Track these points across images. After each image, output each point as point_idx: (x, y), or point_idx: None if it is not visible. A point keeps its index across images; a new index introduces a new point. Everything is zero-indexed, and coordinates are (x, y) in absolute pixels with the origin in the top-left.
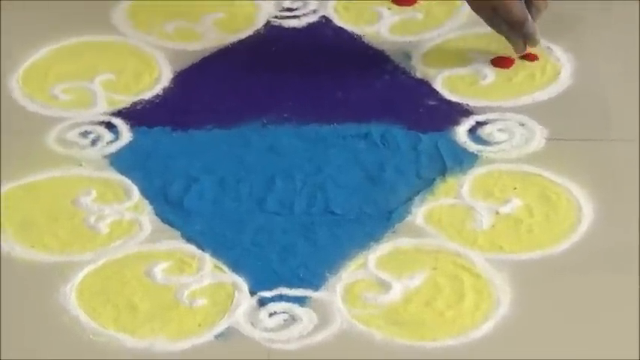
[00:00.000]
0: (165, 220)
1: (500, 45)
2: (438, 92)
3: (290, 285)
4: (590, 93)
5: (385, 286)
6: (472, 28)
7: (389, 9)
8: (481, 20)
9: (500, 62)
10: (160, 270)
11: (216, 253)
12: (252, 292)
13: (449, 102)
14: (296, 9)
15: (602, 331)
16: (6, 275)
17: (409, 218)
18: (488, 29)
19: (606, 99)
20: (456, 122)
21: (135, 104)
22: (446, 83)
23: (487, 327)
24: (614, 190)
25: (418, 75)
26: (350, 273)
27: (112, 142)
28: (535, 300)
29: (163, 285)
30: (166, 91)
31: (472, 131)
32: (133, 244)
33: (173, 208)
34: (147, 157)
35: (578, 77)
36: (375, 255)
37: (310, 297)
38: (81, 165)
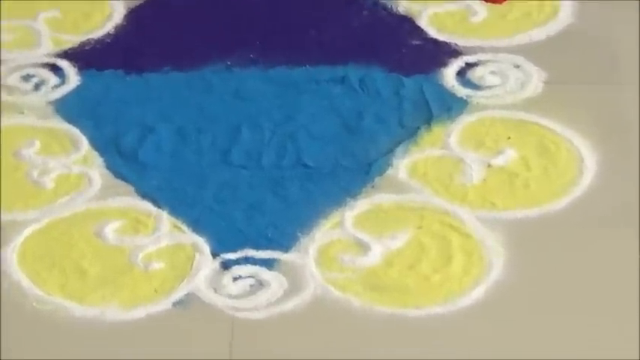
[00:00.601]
0: (117, 174)
1: None
2: (422, 30)
3: (257, 246)
4: (592, 32)
5: (364, 248)
6: None
7: None
8: None
9: None
10: (111, 230)
11: (175, 210)
12: (215, 255)
13: (435, 41)
14: None
15: (604, 298)
16: None
17: (390, 171)
18: None
19: (610, 39)
20: (443, 64)
21: (83, 44)
22: (432, 20)
23: (478, 293)
24: (620, 139)
25: (401, 11)
26: (324, 233)
27: (57, 86)
28: (532, 263)
29: (115, 246)
30: (118, 29)
31: (461, 74)
32: (82, 201)
33: (126, 161)
34: (97, 104)
35: (580, 15)
36: (353, 213)
37: (280, 259)
38: (22, 113)
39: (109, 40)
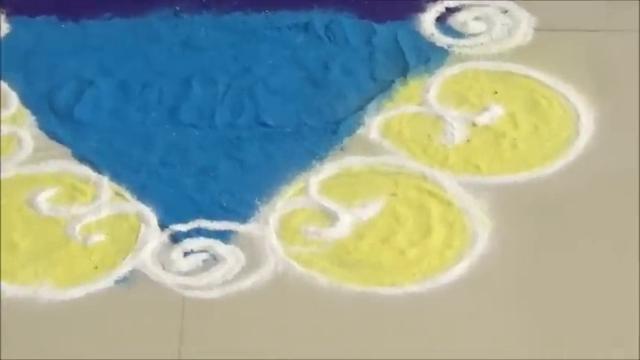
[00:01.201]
0: (51, 134)
1: None
2: None
3: (210, 216)
4: None
5: (331, 218)
6: None
7: None
8: None
9: None
10: (45, 198)
11: (117, 176)
12: (163, 226)
13: None
14: None
15: (601, 274)
16: None
17: (361, 131)
18: None
19: None
20: (421, 8)
21: None
22: None
23: (460, 269)
24: (620, 93)
25: None
26: (286, 201)
27: None
28: (521, 234)
29: (50, 217)
30: None
31: (441, 20)
32: (11, 165)
33: (61, 120)
34: (27, 55)
35: None
36: (318, 178)
37: (236, 231)
38: None
39: None
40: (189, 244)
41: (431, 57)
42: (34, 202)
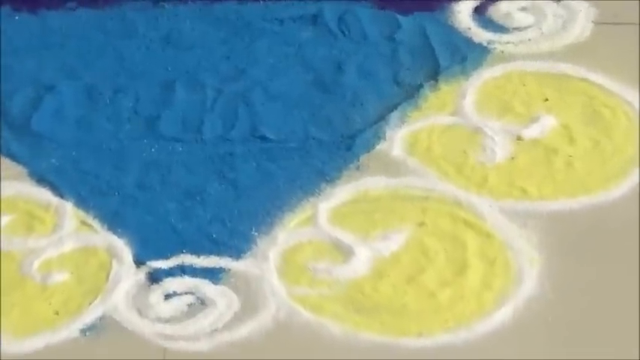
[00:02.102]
0: (4, 150)
1: None
2: None
3: (197, 250)
4: None
5: (345, 253)
6: None
7: None
8: None
9: None
10: None
11: (83, 201)
12: (139, 262)
13: None
14: None
15: None
16: None
17: (382, 146)
18: None
19: None
20: None
21: None
22: None
23: (502, 315)
24: None
25: None
26: (290, 232)
27: None
28: (576, 273)
29: (2, 252)
30: None
31: (479, 11)
32: None
33: (16, 133)
34: None
35: None
36: (329, 204)
37: (228, 269)
38: None
39: None
40: (171, 284)
41: (467, 56)
42: None
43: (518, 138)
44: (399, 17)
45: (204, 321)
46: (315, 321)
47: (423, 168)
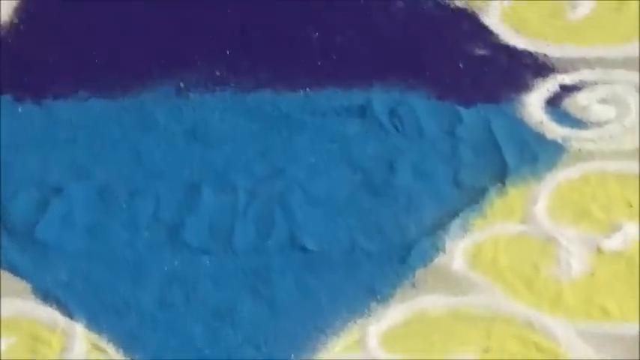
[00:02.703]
0: (4, 263)
1: None
2: (491, 33)
3: None
4: None
5: None
6: None
7: None
8: None
9: None
10: None
11: (95, 321)
12: None
13: (512, 49)
14: None
15: None
16: None
17: (441, 259)
18: None
19: None
20: (525, 86)
21: None
22: (507, 17)
23: None
24: None
25: (456, 1)
26: (335, 357)
27: None
28: None
29: None
30: (5, 29)
31: (553, 103)
32: None
33: (18, 243)
34: None
35: None
36: (380, 326)
37: None
38: None
39: None
40: None
41: (539, 155)
42: None
43: (598, 250)
44: (460, 110)
45: None
46: None
47: (488, 284)
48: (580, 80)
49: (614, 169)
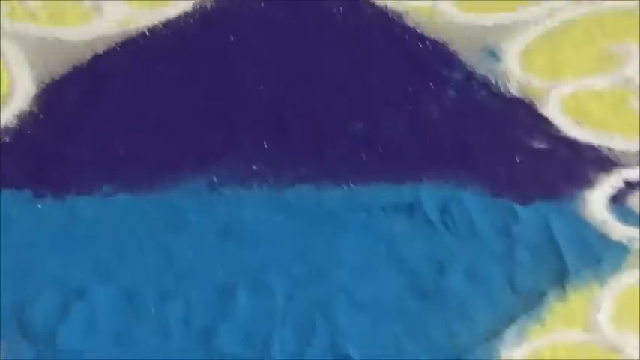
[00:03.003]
0: None
1: None
2: (550, 123)
3: None
4: None
5: None
6: None
7: None
8: None
9: None
10: None
11: None
12: None
13: (572, 142)
14: None
15: None
16: None
17: None
18: None
19: None
20: (587, 182)
21: None
22: (566, 106)
23: None
24: None
25: (512, 89)
26: None
27: None
28: None
29: None
30: (24, 119)
31: (617, 200)
32: None
33: (38, 349)
34: None
35: None
36: None
37: None
38: None
39: (7, 139)
40: None
41: (602, 257)
42: None
43: None
44: (517, 207)
45: None
46: None
47: None
48: None
49: None
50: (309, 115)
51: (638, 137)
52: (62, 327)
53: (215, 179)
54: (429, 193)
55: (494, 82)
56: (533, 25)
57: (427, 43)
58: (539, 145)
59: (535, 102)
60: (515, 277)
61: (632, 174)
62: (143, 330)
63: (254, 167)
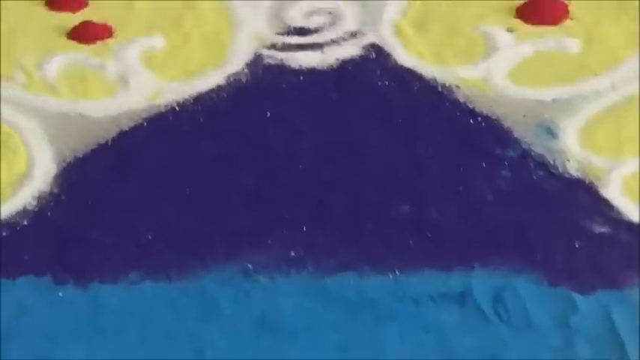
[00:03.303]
0: None
1: None
2: (612, 206)
3: None
4: None
5: None
6: None
7: (510, 31)
8: None
9: None
10: None
11: None
12: None
13: (635, 226)
14: (315, 30)
15: None
16: None
17: None
18: None
19: None
20: None
21: None
22: (630, 186)
23: None
24: None
25: (571, 169)
26: None
27: None
28: None
29: None
30: (44, 200)
31: None
32: None
33: None
34: (5, 339)
35: None
36: None
37: None
38: None
39: (25, 222)
40: None
41: None
42: None
43: None
44: (575, 297)
45: None
46: None
47: None
48: None
49: None
50: (352, 197)
51: None
52: None
53: (250, 266)
54: (480, 281)
55: (551, 162)
56: (593, 99)
57: (479, 118)
58: (599, 229)
59: (595, 183)
60: None
61: None
62: None
63: (292, 253)
